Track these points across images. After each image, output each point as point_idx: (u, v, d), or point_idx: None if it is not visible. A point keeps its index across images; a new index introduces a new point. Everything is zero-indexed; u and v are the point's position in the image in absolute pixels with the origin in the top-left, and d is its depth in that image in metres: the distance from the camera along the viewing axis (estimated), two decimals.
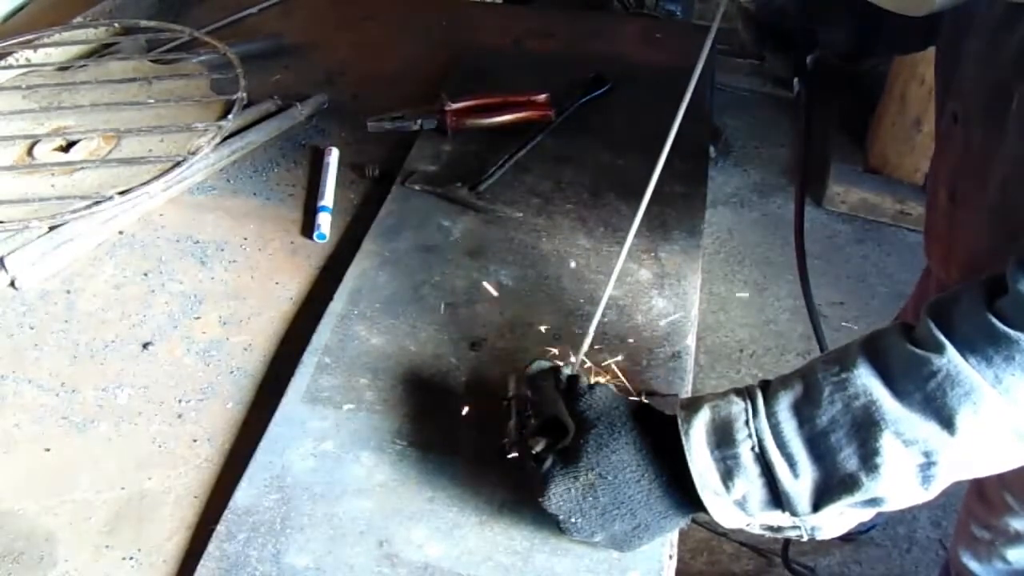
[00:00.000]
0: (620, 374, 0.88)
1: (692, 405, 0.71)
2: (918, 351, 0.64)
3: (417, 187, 1.15)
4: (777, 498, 0.68)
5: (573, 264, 1.05)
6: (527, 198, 1.15)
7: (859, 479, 0.65)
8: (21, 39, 1.37)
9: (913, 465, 0.65)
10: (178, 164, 1.14)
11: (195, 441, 0.87)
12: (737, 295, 2.50)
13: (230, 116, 1.21)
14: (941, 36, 0.94)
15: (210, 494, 0.82)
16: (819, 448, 0.66)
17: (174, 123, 1.22)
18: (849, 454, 0.65)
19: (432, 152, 1.23)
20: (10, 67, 1.33)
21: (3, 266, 1.02)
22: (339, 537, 0.77)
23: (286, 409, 0.87)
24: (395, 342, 0.94)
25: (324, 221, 1.11)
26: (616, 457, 0.71)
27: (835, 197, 2.75)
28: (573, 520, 0.71)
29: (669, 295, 1.01)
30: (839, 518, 0.73)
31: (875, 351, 0.67)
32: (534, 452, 0.74)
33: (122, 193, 1.09)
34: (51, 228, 1.06)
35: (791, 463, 0.66)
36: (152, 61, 1.37)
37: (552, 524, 0.74)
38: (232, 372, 0.94)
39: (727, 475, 0.68)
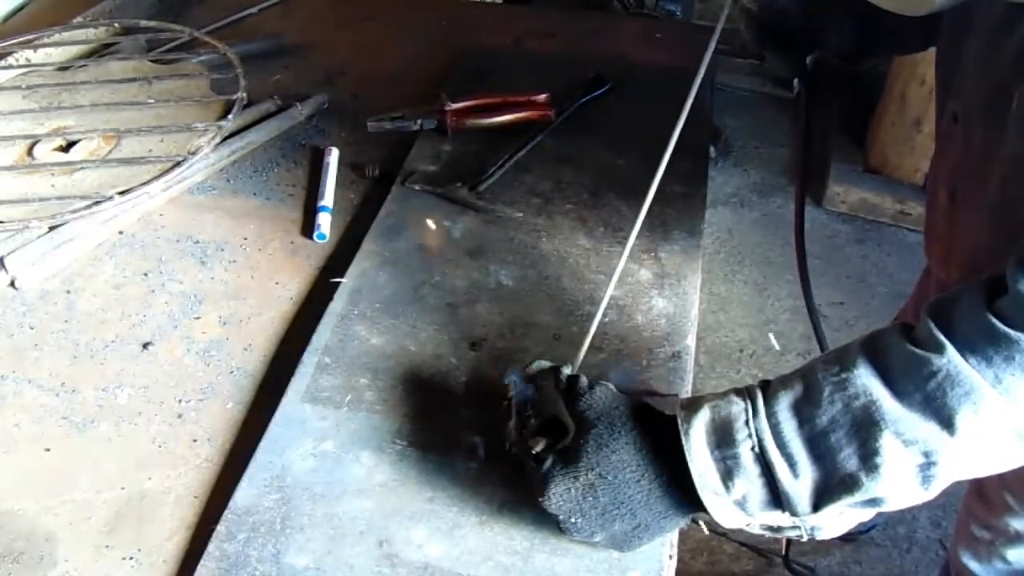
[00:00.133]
0: None
1: (692, 405, 0.71)
2: (918, 351, 0.64)
3: (417, 187, 1.15)
4: (777, 498, 0.68)
5: (573, 264, 1.05)
6: (527, 198, 1.15)
7: (859, 479, 0.65)
8: (21, 39, 1.37)
9: (913, 465, 0.65)
10: (178, 164, 1.14)
11: (195, 441, 0.87)
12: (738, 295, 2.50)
13: (230, 116, 1.21)
14: (941, 36, 0.94)
15: (210, 494, 0.82)
16: (819, 448, 0.66)
17: (174, 123, 1.22)
18: (849, 454, 0.65)
19: (432, 152, 1.23)
20: (10, 67, 1.33)
21: (3, 266, 1.02)
22: (339, 537, 0.77)
23: (286, 409, 0.87)
24: (395, 342, 0.94)
25: (324, 221, 1.11)
26: (616, 457, 0.71)
27: (835, 197, 2.75)
28: (573, 520, 0.71)
29: (669, 295, 1.01)
30: (839, 518, 0.73)
31: (875, 351, 0.67)
32: (534, 452, 0.74)
33: (122, 193, 1.09)
34: (51, 228, 1.06)
35: (791, 463, 0.66)
36: (152, 61, 1.37)
37: (552, 524, 0.74)
38: (232, 372, 0.94)
39: (727, 475, 0.68)
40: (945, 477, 0.66)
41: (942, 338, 0.63)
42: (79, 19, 1.46)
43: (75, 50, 1.40)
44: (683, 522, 0.73)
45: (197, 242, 1.10)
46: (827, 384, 0.67)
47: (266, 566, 0.74)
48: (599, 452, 0.71)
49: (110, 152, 1.19)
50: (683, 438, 0.69)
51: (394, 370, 0.92)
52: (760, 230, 2.71)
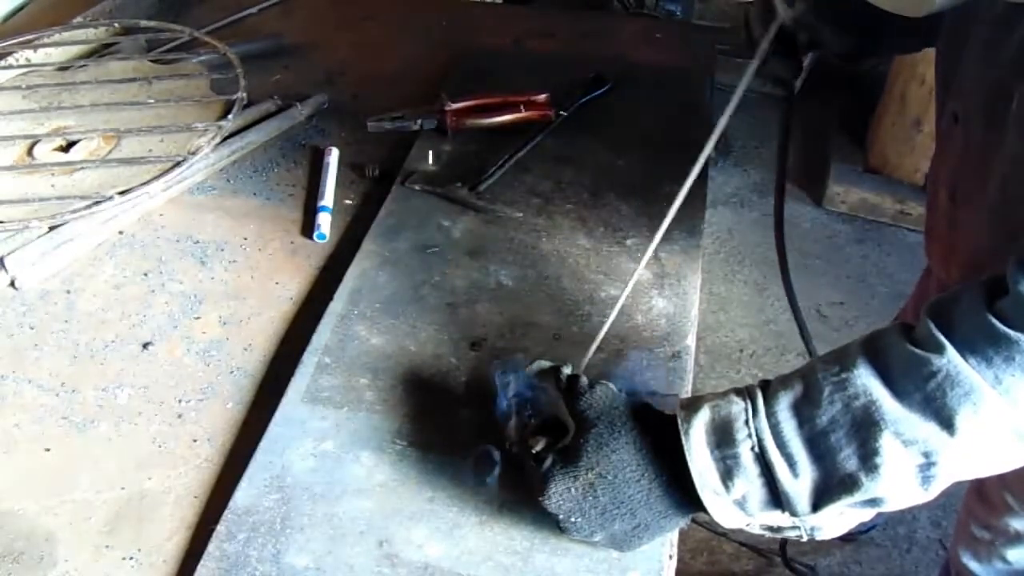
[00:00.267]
0: None
1: (692, 405, 0.71)
2: (918, 351, 0.64)
3: (417, 187, 1.15)
4: (777, 498, 0.68)
5: (573, 264, 1.05)
6: (527, 198, 1.15)
7: (859, 479, 0.65)
8: (21, 39, 1.37)
9: (913, 465, 0.65)
10: (178, 164, 1.14)
11: (195, 441, 0.87)
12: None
13: (230, 116, 1.21)
14: (941, 36, 0.94)
15: (210, 494, 0.82)
16: (819, 448, 0.66)
17: (174, 123, 1.22)
18: (849, 454, 0.65)
19: (432, 152, 1.22)
20: (10, 67, 1.33)
21: (3, 266, 1.02)
22: (339, 537, 0.77)
23: (286, 409, 0.87)
24: (395, 342, 0.94)
25: (324, 221, 1.11)
26: (616, 457, 0.71)
27: (835, 197, 2.75)
28: (573, 519, 0.71)
29: (669, 295, 1.01)
30: (839, 518, 0.73)
31: (875, 351, 0.67)
32: (534, 452, 0.74)
33: (122, 193, 1.09)
34: (51, 228, 1.06)
35: (791, 463, 0.66)
36: (152, 61, 1.37)
37: (552, 524, 0.74)
38: (232, 372, 0.94)
39: (727, 475, 0.68)
40: (945, 477, 0.66)
41: (942, 338, 0.63)
42: (79, 19, 1.46)
43: (75, 50, 1.40)
44: (683, 522, 0.73)
45: (197, 242, 1.10)
46: (827, 384, 0.67)
47: (266, 566, 0.74)
48: (599, 452, 0.71)
49: (110, 152, 1.19)
50: (683, 438, 0.69)
51: (394, 370, 0.92)
52: (760, 230, 2.71)
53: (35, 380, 0.92)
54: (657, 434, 0.73)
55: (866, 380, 0.65)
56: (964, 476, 0.67)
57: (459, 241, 1.08)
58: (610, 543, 0.74)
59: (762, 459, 0.67)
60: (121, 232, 1.11)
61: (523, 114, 1.26)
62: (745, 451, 0.67)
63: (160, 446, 0.86)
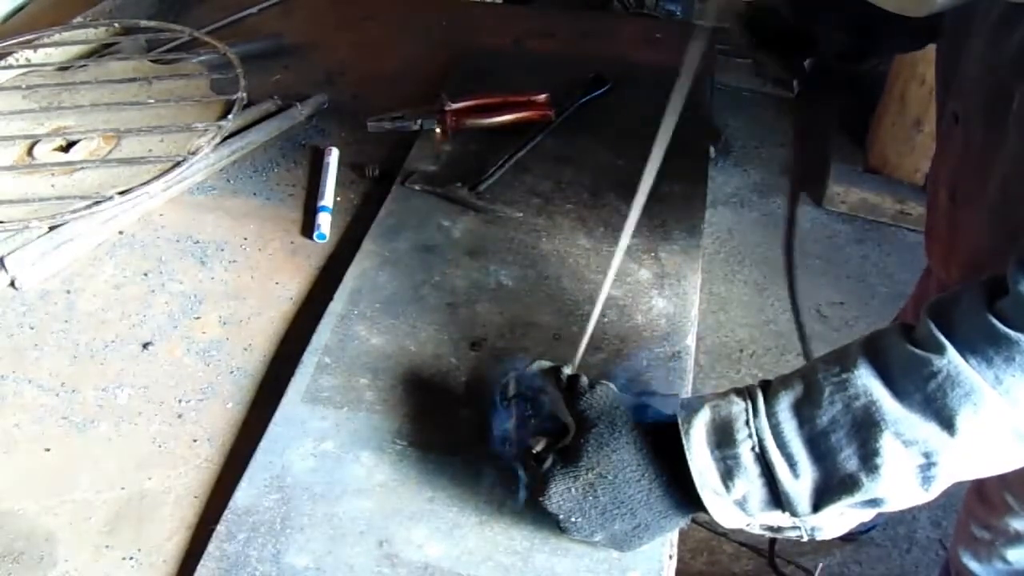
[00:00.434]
0: None
1: (692, 405, 0.71)
2: (918, 352, 0.64)
3: (417, 187, 1.15)
4: (777, 498, 0.68)
5: (573, 264, 1.05)
6: (527, 198, 1.15)
7: (859, 479, 0.65)
8: (21, 39, 1.37)
9: (913, 466, 0.65)
10: (178, 164, 1.14)
11: (195, 441, 0.87)
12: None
13: (230, 116, 1.21)
14: (941, 36, 0.94)
15: (210, 494, 0.82)
16: (819, 448, 0.66)
17: (174, 123, 1.22)
18: (849, 454, 0.65)
19: (432, 152, 1.23)
20: (10, 67, 1.33)
21: (3, 266, 1.02)
22: (339, 537, 0.77)
23: (286, 409, 0.87)
24: (395, 342, 0.94)
25: (324, 221, 1.11)
26: (616, 456, 0.71)
27: (835, 197, 2.75)
28: (573, 519, 0.71)
29: (669, 295, 1.01)
30: (839, 518, 0.73)
31: (875, 351, 0.67)
32: (534, 452, 0.74)
33: (122, 193, 1.09)
34: (51, 228, 1.06)
35: (791, 463, 0.66)
36: (152, 61, 1.37)
37: (552, 524, 0.74)
38: (232, 372, 0.94)
39: (727, 475, 0.68)
40: (945, 478, 0.66)
41: (942, 339, 0.63)
42: (79, 19, 1.46)
43: (75, 50, 1.40)
44: (683, 522, 0.73)
45: (197, 242, 1.10)
46: (827, 384, 0.67)
47: (266, 566, 0.74)
48: (599, 451, 0.71)
49: (110, 152, 1.19)
50: (683, 438, 0.69)
51: (394, 370, 0.92)
52: (760, 230, 2.71)
53: (35, 380, 0.92)
54: (657, 434, 0.73)
55: (866, 380, 0.65)
56: (964, 476, 0.68)
57: (459, 241, 1.08)
58: (610, 543, 0.74)
59: (762, 459, 0.67)
60: (121, 232, 1.11)
61: (523, 114, 1.26)
62: (745, 451, 0.67)
63: (160, 446, 0.86)
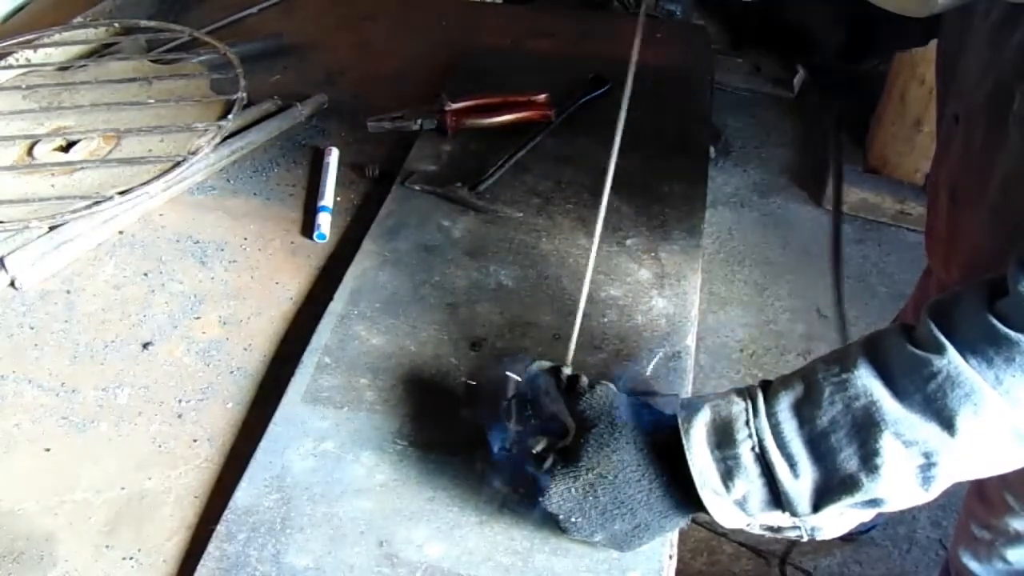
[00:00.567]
0: None
1: (692, 405, 0.71)
2: (918, 352, 0.64)
3: (417, 187, 1.15)
4: (777, 498, 0.68)
5: (573, 264, 1.05)
6: (527, 198, 1.15)
7: (859, 480, 0.65)
8: (21, 39, 1.37)
9: (913, 466, 0.65)
10: (178, 164, 1.14)
11: (195, 441, 0.87)
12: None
13: (230, 116, 1.21)
14: (942, 36, 0.94)
15: (210, 494, 0.82)
16: (819, 448, 0.66)
17: (174, 123, 1.22)
18: (849, 455, 0.65)
19: (432, 152, 1.23)
20: (10, 67, 1.33)
21: (3, 266, 1.02)
22: (339, 537, 0.77)
23: (286, 409, 0.87)
24: (395, 342, 0.94)
25: (324, 221, 1.11)
26: (616, 457, 0.71)
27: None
28: (573, 519, 0.71)
29: (669, 295, 1.01)
30: (839, 518, 0.73)
31: (875, 352, 0.67)
32: (534, 452, 0.74)
33: (122, 193, 1.09)
34: (51, 228, 1.06)
35: (791, 463, 0.66)
36: (152, 61, 1.37)
37: (552, 524, 0.74)
38: (232, 372, 0.94)
39: (727, 475, 0.68)
40: (945, 478, 0.66)
41: (943, 339, 0.63)
42: (79, 19, 1.46)
43: (75, 50, 1.40)
44: (683, 522, 0.73)
45: (197, 242, 1.10)
46: (828, 385, 0.67)
47: (266, 566, 0.74)
48: (599, 452, 0.71)
49: (110, 152, 1.19)
50: (683, 438, 0.69)
51: (394, 370, 0.92)
52: (760, 230, 2.71)
53: (35, 380, 0.92)
54: (657, 434, 0.73)
55: (867, 381, 0.65)
56: (964, 477, 0.67)
57: (459, 241, 1.08)
58: (610, 543, 0.74)
59: (763, 459, 0.67)
60: (121, 232, 1.11)
61: (523, 114, 1.26)
62: (745, 451, 0.67)
63: (160, 446, 0.86)
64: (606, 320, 0.97)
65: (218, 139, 1.19)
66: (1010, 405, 0.62)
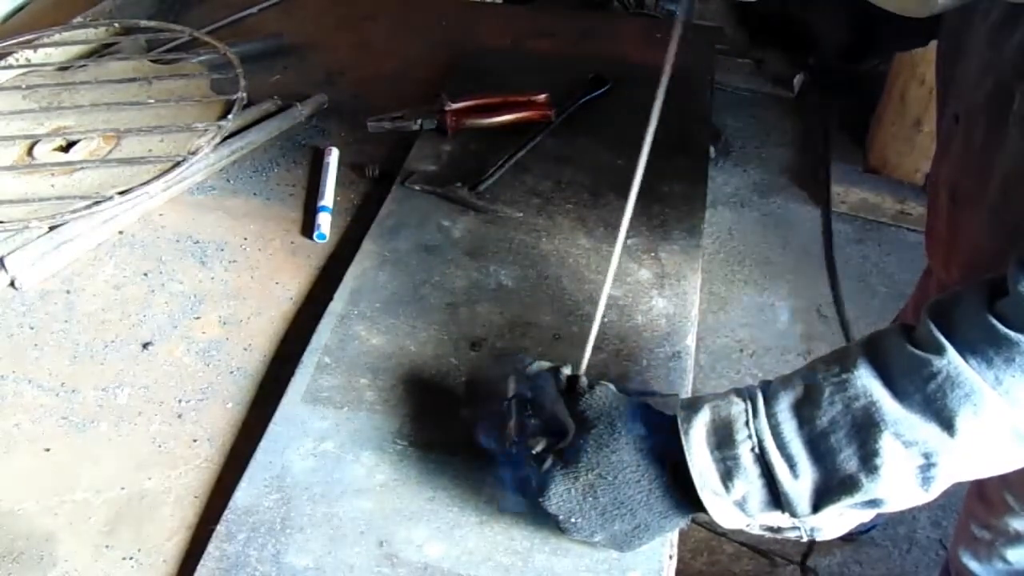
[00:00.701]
0: None
1: (692, 405, 0.71)
2: (918, 352, 0.64)
3: (417, 187, 1.15)
4: (777, 499, 0.68)
5: (573, 264, 1.05)
6: (527, 198, 1.15)
7: (859, 480, 0.65)
8: (21, 39, 1.37)
9: (913, 466, 0.65)
10: (178, 164, 1.14)
11: (195, 441, 0.87)
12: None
13: (230, 116, 1.21)
14: (942, 36, 0.94)
15: (210, 494, 0.82)
16: (819, 449, 0.66)
17: (174, 123, 1.22)
18: (849, 455, 0.65)
19: (432, 152, 1.23)
20: (10, 67, 1.33)
21: (3, 266, 1.02)
22: (339, 537, 0.77)
23: (286, 409, 0.87)
24: (395, 342, 0.94)
25: (324, 221, 1.11)
26: (616, 457, 0.71)
27: (835, 197, 2.75)
28: (573, 520, 0.71)
29: (669, 295, 1.01)
30: (839, 519, 0.73)
31: (875, 352, 0.67)
32: (534, 452, 0.74)
33: (122, 193, 1.09)
34: (51, 228, 1.06)
35: (791, 464, 0.66)
36: (152, 61, 1.37)
37: (552, 524, 0.74)
38: (232, 372, 0.94)
39: (727, 475, 0.68)
40: (945, 478, 0.66)
41: (942, 339, 0.63)
42: (79, 19, 1.46)
43: (75, 50, 1.40)
44: (683, 522, 0.73)
45: (197, 242, 1.10)
46: (827, 385, 0.67)
47: (266, 566, 0.74)
48: (599, 452, 0.71)
49: (110, 152, 1.19)
50: (683, 438, 0.69)
51: (394, 370, 0.92)
52: (760, 230, 2.71)
53: (35, 380, 0.92)
54: (657, 434, 0.73)
55: (866, 381, 0.65)
56: (964, 477, 0.67)
57: (459, 241, 1.08)
58: (610, 543, 0.74)
59: (762, 460, 0.67)
60: (121, 232, 1.11)
61: (523, 114, 1.26)
62: (745, 452, 0.67)
63: (160, 446, 0.86)
64: (606, 320, 0.97)
65: (218, 139, 1.19)
66: (1010, 405, 0.62)
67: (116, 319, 0.99)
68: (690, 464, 0.69)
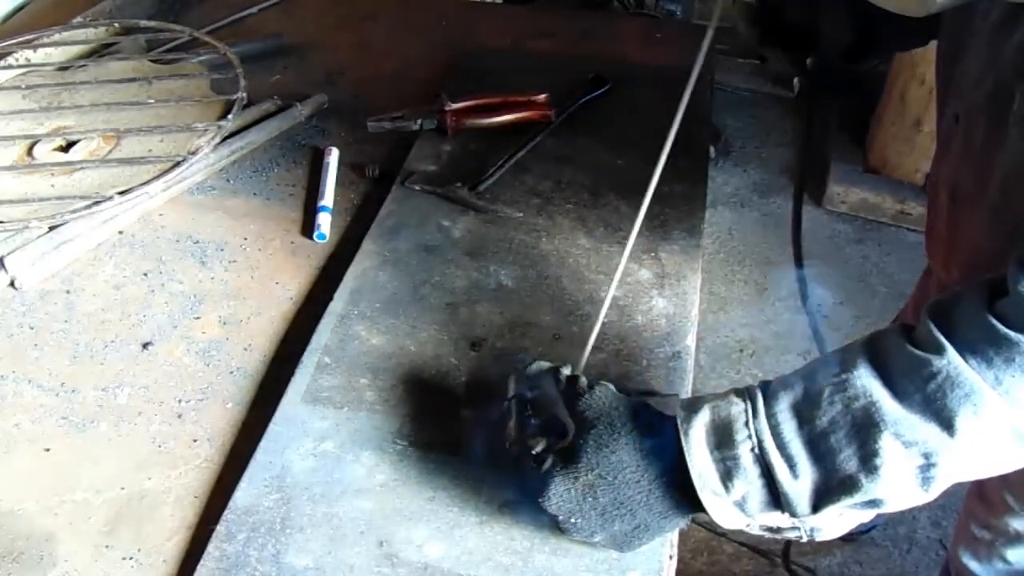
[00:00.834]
0: None
1: (692, 405, 0.71)
2: (918, 352, 0.64)
3: (417, 187, 1.15)
4: (777, 499, 0.68)
5: (573, 264, 1.05)
6: (527, 198, 1.15)
7: (859, 480, 0.65)
8: (21, 39, 1.37)
9: (913, 467, 0.65)
10: (178, 164, 1.14)
11: (195, 441, 0.87)
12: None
13: (230, 116, 1.21)
14: (942, 36, 0.94)
15: (210, 494, 0.82)
16: (819, 449, 0.66)
17: (174, 123, 1.22)
18: (849, 455, 0.65)
19: (432, 152, 1.23)
20: (10, 67, 1.33)
21: (3, 266, 1.02)
22: (339, 537, 0.77)
23: (286, 409, 0.87)
24: (395, 342, 0.94)
25: (324, 221, 1.11)
26: (616, 457, 0.71)
27: (835, 197, 2.75)
28: (573, 520, 0.71)
29: (669, 295, 1.01)
30: (839, 519, 0.73)
31: (875, 352, 0.67)
32: (534, 452, 0.74)
33: (122, 193, 1.09)
34: (51, 228, 1.06)
35: (791, 464, 0.66)
36: (152, 61, 1.37)
37: (552, 524, 0.74)
38: (232, 372, 0.94)
39: (726, 475, 0.68)
40: (945, 478, 0.66)
41: (942, 339, 0.63)
42: (79, 19, 1.46)
43: (75, 50, 1.40)
44: (683, 522, 0.73)
45: (197, 242, 1.10)
46: (827, 385, 0.66)
47: (266, 566, 0.74)
48: (599, 452, 0.71)
49: (110, 152, 1.19)
50: (683, 438, 0.69)
51: (394, 370, 0.92)
52: (760, 230, 2.71)
53: (35, 380, 0.92)
54: (657, 435, 0.73)
55: (866, 381, 0.65)
56: (964, 477, 0.67)
57: (459, 241, 1.08)
58: (610, 543, 0.74)
59: (762, 460, 0.67)
60: (121, 232, 1.11)
61: (523, 114, 1.26)
62: (745, 452, 0.67)
63: (160, 446, 0.86)
64: (606, 320, 0.97)
65: (218, 139, 1.19)
66: (1010, 405, 0.62)
67: (116, 319, 0.99)
68: (690, 464, 0.68)
